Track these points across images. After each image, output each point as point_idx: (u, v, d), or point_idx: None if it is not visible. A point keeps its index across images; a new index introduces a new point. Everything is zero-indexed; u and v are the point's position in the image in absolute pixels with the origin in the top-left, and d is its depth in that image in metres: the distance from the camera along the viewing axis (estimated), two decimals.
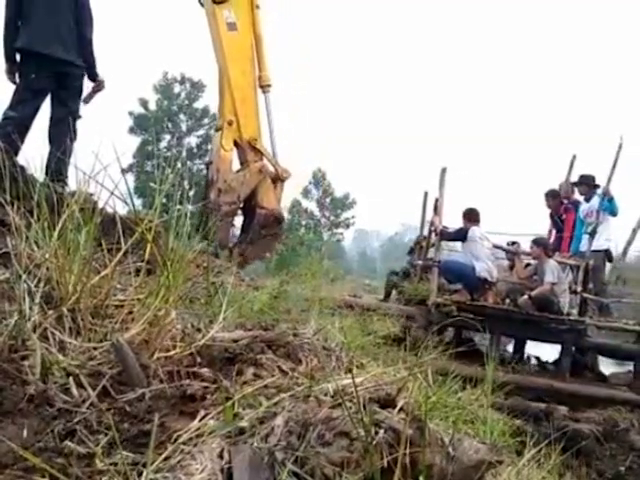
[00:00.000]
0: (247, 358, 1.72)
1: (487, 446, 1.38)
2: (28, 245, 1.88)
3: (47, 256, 1.83)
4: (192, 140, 45.74)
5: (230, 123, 6.70)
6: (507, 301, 9.43)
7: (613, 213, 9.87)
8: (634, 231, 10.32)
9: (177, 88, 46.15)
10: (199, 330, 1.91)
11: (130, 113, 44.58)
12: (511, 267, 10.71)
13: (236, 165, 7.43)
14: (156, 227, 2.03)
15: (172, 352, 1.68)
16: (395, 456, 1.22)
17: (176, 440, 1.25)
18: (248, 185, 6.68)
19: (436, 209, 10.18)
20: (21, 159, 3.44)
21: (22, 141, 5.14)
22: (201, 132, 46.13)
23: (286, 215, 44.82)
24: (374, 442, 1.21)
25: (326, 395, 1.44)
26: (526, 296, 8.82)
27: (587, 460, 6.04)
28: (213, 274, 2.90)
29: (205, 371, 1.61)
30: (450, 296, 9.15)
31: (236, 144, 6.88)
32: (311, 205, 51.97)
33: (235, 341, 1.86)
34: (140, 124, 44.21)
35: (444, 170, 9.72)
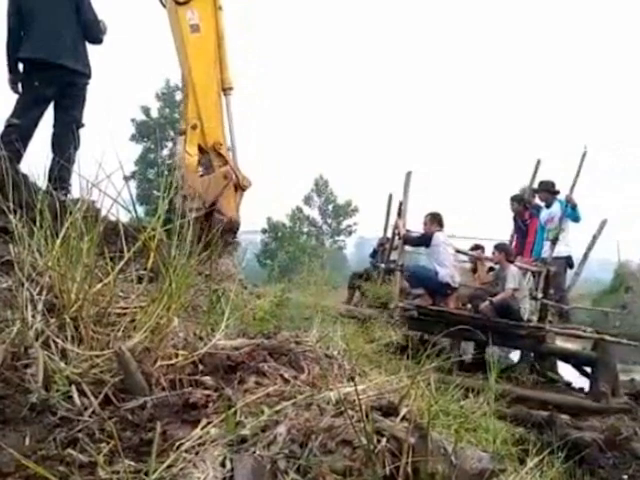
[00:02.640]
0: (249, 366, 1.72)
1: (489, 455, 1.38)
2: (31, 253, 1.88)
3: (49, 264, 1.83)
4: None
5: (194, 127, 6.51)
6: (469, 306, 9.49)
7: (576, 220, 10.00)
8: (594, 237, 10.38)
9: (179, 95, 46.19)
10: (201, 338, 1.91)
11: (132, 120, 44.65)
12: (473, 270, 10.78)
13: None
14: (159, 235, 2.03)
15: (174, 360, 1.68)
16: (397, 465, 1.22)
17: (178, 448, 1.25)
18: (213, 191, 6.50)
19: (400, 212, 10.24)
20: (24, 167, 3.45)
21: (25, 149, 5.16)
22: None
23: (288, 223, 44.63)
24: (376, 450, 1.21)
25: (328, 403, 1.44)
26: (487, 302, 8.90)
27: (590, 468, 6.02)
28: (215, 282, 2.90)
29: (207, 379, 1.61)
30: (412, 300, 9.18)
31: (200, 149, 6.72)
32: (313, 213, 51.98)
33: (237, 349, 1.86)
34: (142, 131, 44.28)
35: (409, 174, 9.83)
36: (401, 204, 10.24)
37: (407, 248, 10.13)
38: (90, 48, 6.01)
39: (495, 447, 2.79)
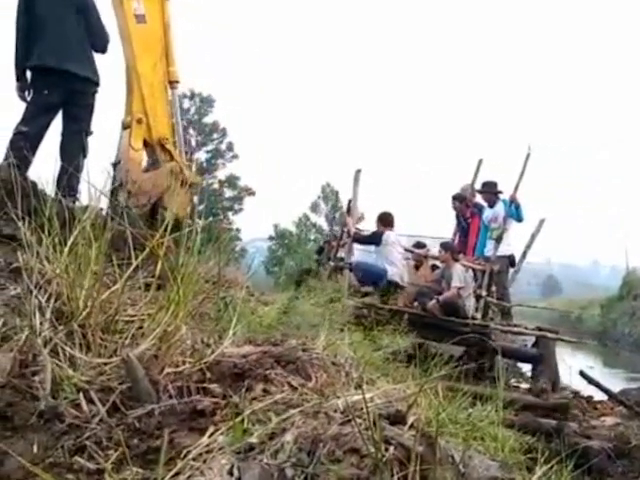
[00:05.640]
0: (256, 374, 1.72)
1: (498, 463, 1.37)
2: (39, 260, 1.89)
3: (58, 271, 1.84)
4: (202, 155, 45.89)
5: (139, 121, 6.30)
6: (415, 304, 9.51)
7: (519, 220, 10.20)
8: (533, 236, 10.57)
9: (187, 103, 46.38)
10: (209, 345, 1.91)
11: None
12: (416, 267, 10.85)
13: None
14: (166, 242, 2.04)
15: (182, 368, 1.68)
16: (405, 473, 1.22)
17: (186, 456, 1.25)
18: (159, 187, 6.28)
19: (349, 210, 10.29)
20: (32, 174, 3.46)
21: (33, 156, 5.18)
22: (211, 147, 46.31)
23: (294, 230, 44.64)
24: (384, 459, 1.20)
25: (336, 411, 1.43)
26: (434, 300, 9.01)
27: (599, 477, 5.98)
28: (223, 289, 2.90)
29: (215, 387, 1.61)
30: (361, 298, 9.19)
31: (145, 143, 6.50)
32: (320, 220, 51.92)
33: (244, 357, 1.86)
34: None
35: (358, 171, 9.87)
36: (350, 202, 10.31)
37: (356, 246, 10.19)
38: (97, 56, 6.04)
39: (503, 455, 2.78)
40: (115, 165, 6.22)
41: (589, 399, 9.47)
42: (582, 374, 9.06)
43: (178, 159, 6.60)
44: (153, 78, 6.52)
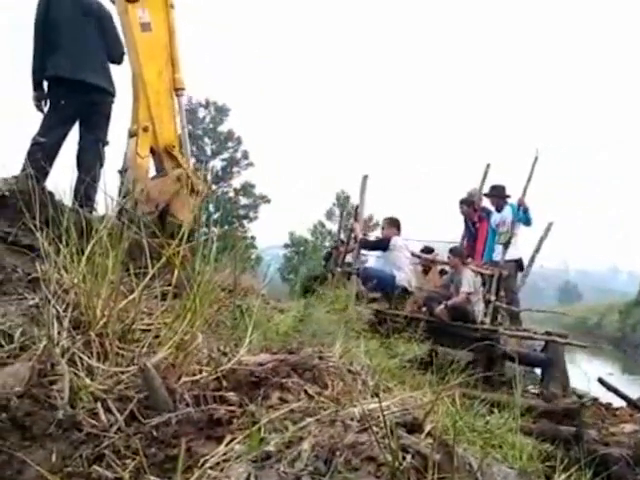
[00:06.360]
0: (273, 382, 1.72)
1: (516, 471, 1.36)
2: (57, 270, 1.90)
3: (75, 281, 1.85)
4: (217, 163, 46.09)
5: (145, 129, 6.31)
6: (424, 309, 9.46)
7: (528, 223, 10.15)
8: (541, 240, 10.55)
9: (202, 112, 46.66)
10: (225, 354, 1.91)
11: None
12: (424, 272, 10.78)
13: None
14: (182, 251, 2.05)
15: (198, 376, 1.69)
16: None
17: (203, 465, 1.25)
18: (166, 193, 6.28)
19: (356, 216, 10.26)
20: (50, 184, 3.49)
21: (51, 166, 5.23)
22: (226, 155, 46.51)
23: (310, 237, 44.67)
24: (401, 467, 1.20)
25: (352, 420, 1.43)
26: (442, 305, 8.97)
27: None
28: (239, 297, 2.91)
29: (231, 395, 1.61)
30: (369, 304, 9.14)
31: (152, 151, 6.51)
32: (335, 227, 51.82)
33: (261, 365, 1.86)
34: None
35: (365, 177, 9.83)
36: (357, 207, 10.30)
37: (363, 252, 10.15)
38: (113, 66, 6.09)
39: (521, 463, 2.76)
40: (122, 173, 6.26)
41: (608, 406, 9.38)
42: (600, 381, 8.99)
43: (185, 166, 6.62)
44: (159, 86, 6.54)
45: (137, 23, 6.35)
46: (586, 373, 9.76)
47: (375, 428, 1.30)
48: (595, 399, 9.69)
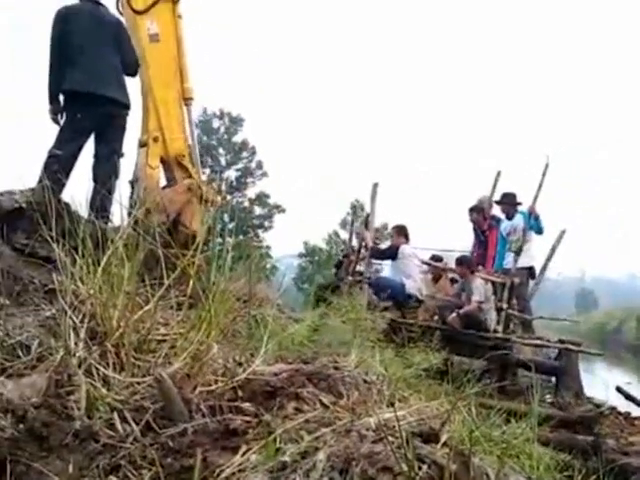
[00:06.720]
0: (288, 392, 1.72)
1: None
2: (73, 281, 1.91)
3: (92, 292, 1.86)
4: (231, 174, 46.18)
5: (155, 139, 6.35)
6: (435, 318, 9.41)
7: (539, 231, 10.03)
8: (553, 248, 10.47)
9: (216, 123, 46.79)
10: (240, 364, 1.91)
11: None
12: (435, 280, 10.71)
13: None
14: (197, 261, 2.05)
15: (214, 386, 1.69)
16: None
17: (219, 475, 1.25)
18: (177, 203, 6.28)
19: (367, 224, 10.20)
20: (66, 196, 3.51)
21: (67, 179, 5.26)
22: (240, 165, 46.60)
23: (324, 246, 44.63)
24: (418, 477, 1.19)
25: (368, 429, 1.43)
26: (455, 314, 8.88)
27: None
28: (254, 307, 2.91)
29: (247, 405, 1.61)
30: (380, 313, 9.10)
31: (162, 161, 6.53)
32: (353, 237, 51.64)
33: (276, 375, 1.86)
34: None
35: (375, 185, 9.81)
36: (368, 216, 10.26)
37: (378, 261, 10.10)
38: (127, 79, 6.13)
39: (539, 474, 2.73)
40: (133, 183, 6.28)
41: (626, 415, 9.27)
42: (619, 390, 8.89)
43: (195, 175, 6.63)
44: (168, 96, 6.58)
45: (145, 34, 6.42)
46: (604, 382, 9.69)
47: (391, 438, 1.29)
48: (613, 408, 9.58)
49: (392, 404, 1.82)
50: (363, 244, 10.51)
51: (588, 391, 9.73)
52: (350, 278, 10.52)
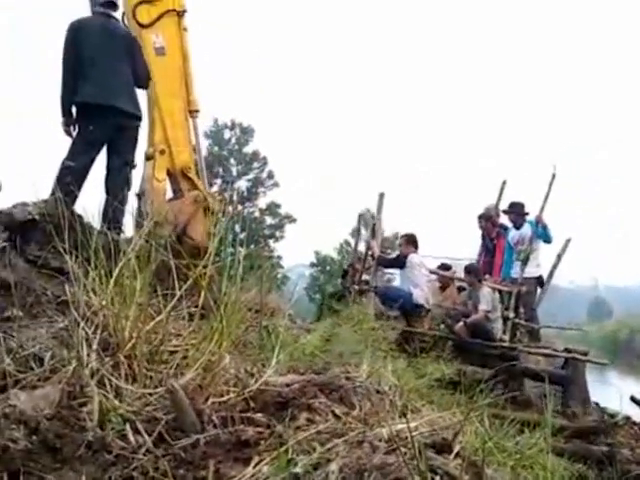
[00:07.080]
0: (300, 403, 1.72)
1: None
2: (85, 293, 1.92)
3: (104, 303, 1.87)
4: (242, 184, 46.26)
5: (162, 152, 6.39)
6: (442, 326, 9.39)
7: (548, 240, 10.05)
8: (559, 256, 10.42)
9: (227, 134, 46.91)
10: (252, 375, 1.91)
11: None
12: (442, 288, 10.68)
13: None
14: (209, 272, 2.06)
15: (226, 397, 1.69)
16: None
17: None
18: (184, 215, 6.30)
19: (374, 233, 10.18)
20: (79, 208, 3.53)
21: (79, 190, 5.29)
22: (251, 176, 46.70)
23: (336, 256, 44.65)
24: None
25: (380, 440, 1.42)
26: (461, 323, 8.87)
27: None
28: (265, 317, 2.91)
29: (259, 416, 1.61)
30: (387, 322, 9.07)
31: (168, 173, 6.55)
32: (360, 246, 51.63)
33: (288, 385, 1.86)
34: None
35: (382, 195, 9.82)
36: (374, 225, 10.26)
37: (389, 270, 10.07)
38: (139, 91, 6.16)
39: None
40: (140, 196, 6.30)
41: None
42: (633, 399, 8.81)
43: (201, 187, 6.65)
44: (174, 108, 6.61)
45: (151, 48, 6.46)
46: (618, 391, 9.58)
47: (403, 449, 1.29)
48: (628, 418, 9.50)
49: (404, 415, 1.81)
50: (370, 253, 10.52)
51: (602, 401, 9.67)
52: (356, 287, 10.53)
